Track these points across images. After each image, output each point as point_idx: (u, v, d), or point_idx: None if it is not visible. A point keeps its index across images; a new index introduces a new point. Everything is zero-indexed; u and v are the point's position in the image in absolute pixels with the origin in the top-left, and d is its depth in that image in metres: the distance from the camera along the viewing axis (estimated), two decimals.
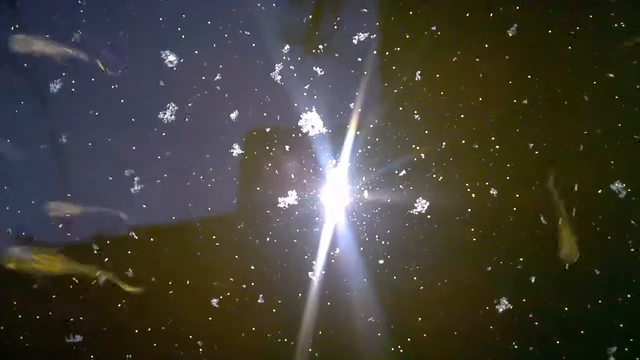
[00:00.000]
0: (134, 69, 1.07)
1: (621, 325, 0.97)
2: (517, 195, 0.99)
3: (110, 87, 1.07)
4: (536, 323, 0.98)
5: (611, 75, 0.99)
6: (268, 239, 1.03)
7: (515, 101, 1.00)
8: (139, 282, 1.04)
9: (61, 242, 1.06)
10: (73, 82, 1.08)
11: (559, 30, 1.00)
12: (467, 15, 1.02)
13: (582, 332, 0.97)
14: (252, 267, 1.03)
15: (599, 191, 0.98)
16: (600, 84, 0.99)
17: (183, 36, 1.06)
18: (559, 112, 1.00)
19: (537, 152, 1.00)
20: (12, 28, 1.08)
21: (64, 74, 1.07)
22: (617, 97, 0.99)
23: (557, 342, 0.97)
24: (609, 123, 0.99)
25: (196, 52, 1.06)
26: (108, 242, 1.05)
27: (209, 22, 1.06)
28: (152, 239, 1.05)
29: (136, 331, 1.04)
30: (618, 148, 0.98)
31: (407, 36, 1.03)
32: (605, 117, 0.99)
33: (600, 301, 0.97)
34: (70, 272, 1.03)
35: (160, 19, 1.07)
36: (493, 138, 1.00)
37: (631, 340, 0.96)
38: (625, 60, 0.99)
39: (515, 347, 0.98)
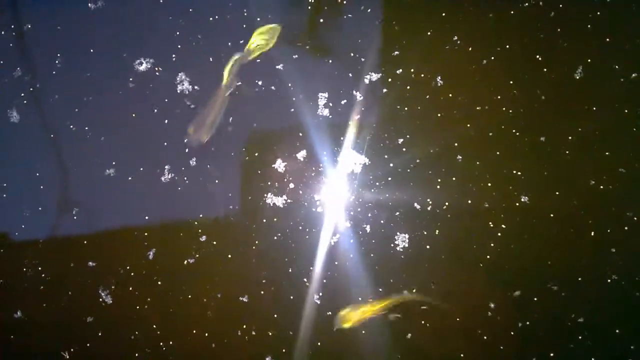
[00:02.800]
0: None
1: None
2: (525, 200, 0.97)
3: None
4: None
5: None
6: (268, 239, 1.03)
7: (517, 102, 0.98)
8: (137, 281, 1.05)
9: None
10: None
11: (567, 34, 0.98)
12: (468, 14, 1.00)
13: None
14: (252, 267, 1.03)
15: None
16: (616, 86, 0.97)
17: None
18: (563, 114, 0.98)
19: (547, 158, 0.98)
20: None
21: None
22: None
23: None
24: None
25: (194, 51, 1.06)
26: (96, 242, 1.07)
27: (208, 23, 1.07)
28: (151, 238, 1.06)
29: (134, 330, 1.06)
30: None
31: (408, 36, 1.02)
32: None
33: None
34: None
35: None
36: (497, 139, 0.98)
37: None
38: None
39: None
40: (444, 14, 1.01)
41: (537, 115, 0.98)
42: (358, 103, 1.01)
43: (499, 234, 0.97)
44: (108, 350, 1.06)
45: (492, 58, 0.99)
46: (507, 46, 0.98)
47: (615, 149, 0.95)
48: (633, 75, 0.95)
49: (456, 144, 0.99)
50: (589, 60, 0.96)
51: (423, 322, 0.98)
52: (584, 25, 0.97)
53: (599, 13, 0.96)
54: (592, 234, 0.95)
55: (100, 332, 1.06)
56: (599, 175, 0.95)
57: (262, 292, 1.02)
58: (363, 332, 0.99)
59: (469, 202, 0.98)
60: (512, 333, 0.96)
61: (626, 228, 0.94)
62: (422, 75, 1.00)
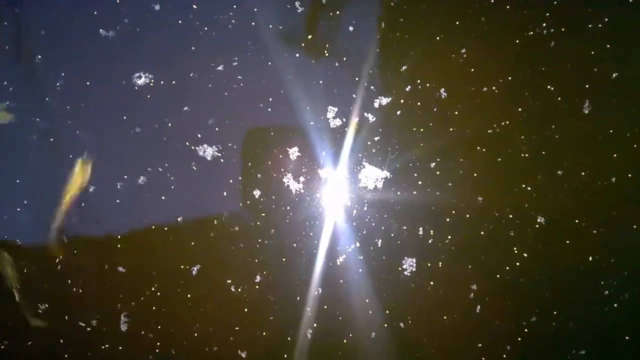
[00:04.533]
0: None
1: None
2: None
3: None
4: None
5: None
6: (268, 239, 1.00)
7: (516, 102, 0.99)
8: (136, 282, 1.00)
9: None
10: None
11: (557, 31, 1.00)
12: (466, 13, 1.01)
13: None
14: (252, 268, 0.99)
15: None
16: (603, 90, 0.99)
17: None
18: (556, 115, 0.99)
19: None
20: None
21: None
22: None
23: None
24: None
25: (195, 50, 1.03)
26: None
27: (210, 21, 1.03)
28: (148, 239, 1.01)
29: (134, 332, 1.00)
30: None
31: (408, 35, 1.02)
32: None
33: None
34: None
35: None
36: (495, 140, 0.99)
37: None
38: None
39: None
40: (457, 22, 1.02)
41: (550, 143, 0.99)
42: (360, 114, 1.00)
43: (518, 264, 0.97)
44: None
45: (494, 88, 1.00)
46: (510, 77, 1.00)
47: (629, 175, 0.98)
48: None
49: (476, 176, 0.99)
50: (594, 90, 0.99)
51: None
52: (587, 56, 1.00)
53: (599, 27, 0.99)
54: (612, 260, 0.96)
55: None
56: (614, 205, 0.97)
57: (263, 306, 0.99)
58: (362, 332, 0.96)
59: (485, 229, 0.98)
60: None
61: None
62: (428, 84, 1.01)
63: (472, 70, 1.01)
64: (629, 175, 0.98)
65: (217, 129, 1.02)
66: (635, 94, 0.99)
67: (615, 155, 0.98)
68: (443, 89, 1.00)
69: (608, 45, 0.99)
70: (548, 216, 0.97)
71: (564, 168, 0.98)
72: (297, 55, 1.02)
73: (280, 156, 1.01)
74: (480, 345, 0.98)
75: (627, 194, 0.98)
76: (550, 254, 0.97)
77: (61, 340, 1.00)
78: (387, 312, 0.97)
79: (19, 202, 1.02)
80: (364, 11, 1.03)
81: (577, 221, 0.97)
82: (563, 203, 0.98)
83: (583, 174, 0.98)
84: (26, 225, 1.02)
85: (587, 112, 0.99)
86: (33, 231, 1.02)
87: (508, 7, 1.01)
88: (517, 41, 1.01)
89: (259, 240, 1.00)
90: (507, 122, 1.00)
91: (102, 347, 1.00)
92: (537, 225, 0.98)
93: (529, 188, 0.98)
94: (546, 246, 0.97)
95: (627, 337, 0.97)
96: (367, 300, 0.98)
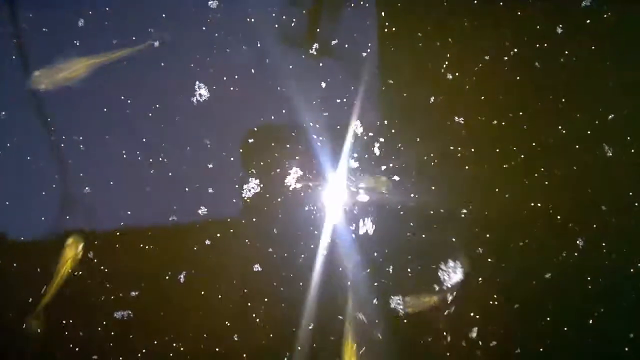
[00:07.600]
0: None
1: None
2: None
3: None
4: None
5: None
6: (267, 239, 0.99)
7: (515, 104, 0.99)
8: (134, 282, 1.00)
9: None
10: None
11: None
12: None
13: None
14: (251, 269, 0.99)
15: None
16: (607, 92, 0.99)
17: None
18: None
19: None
20: None
21: None
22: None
23: None
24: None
25: (195, 49, 1.01)
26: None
27: (209, 20, 1.01)
28: (146, 239, 0.99)
29: (133, 330, 0.99)
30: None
31: (408, 36, 1.01)
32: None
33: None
34: None
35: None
36: (496, 139, 0.99)
37: None
38: None
39: None
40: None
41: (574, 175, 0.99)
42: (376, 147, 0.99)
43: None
44: None
45: (503, 123, 0.99)
46: (520, 113, 0.99)
47: None
48: None
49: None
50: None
51: None
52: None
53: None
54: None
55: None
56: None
57: (262, 290, 0.99)
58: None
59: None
60: None
61: None
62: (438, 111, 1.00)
63: (488, 99, 0.99)
64: None
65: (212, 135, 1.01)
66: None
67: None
68: (457, 117, 0.98)
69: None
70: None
71: (591, 200, 0.98)
72: (289, 49, 1.01)
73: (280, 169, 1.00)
74: None
75: None
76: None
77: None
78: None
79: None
80: (375, 34, 1.02)
81: (609, 254, 0.97)
82: (595, 237, 0.97)
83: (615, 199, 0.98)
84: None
85: (609, 155, 0.98)
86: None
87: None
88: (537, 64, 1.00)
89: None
90: (522, 156, 0.99)
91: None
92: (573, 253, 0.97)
93: (558, 217, 0.97)
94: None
95: None
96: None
